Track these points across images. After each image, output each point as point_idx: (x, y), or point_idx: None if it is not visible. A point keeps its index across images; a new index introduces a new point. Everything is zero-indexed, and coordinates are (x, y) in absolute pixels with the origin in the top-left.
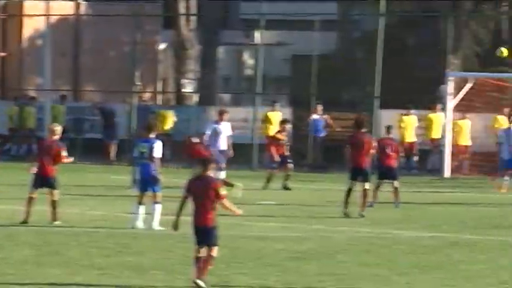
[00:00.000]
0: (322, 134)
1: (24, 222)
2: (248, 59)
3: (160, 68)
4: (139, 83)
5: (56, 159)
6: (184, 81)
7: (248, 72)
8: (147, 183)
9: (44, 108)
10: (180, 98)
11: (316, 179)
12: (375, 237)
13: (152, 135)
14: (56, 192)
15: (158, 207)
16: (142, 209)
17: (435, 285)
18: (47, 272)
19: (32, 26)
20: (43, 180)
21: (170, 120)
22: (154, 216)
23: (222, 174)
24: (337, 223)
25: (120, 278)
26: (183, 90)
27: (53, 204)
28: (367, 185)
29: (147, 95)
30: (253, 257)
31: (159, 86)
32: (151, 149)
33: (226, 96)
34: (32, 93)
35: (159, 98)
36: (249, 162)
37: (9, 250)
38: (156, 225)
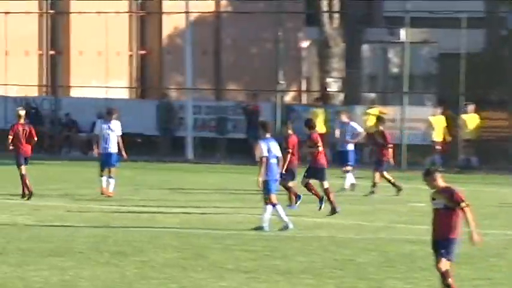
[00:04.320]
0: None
1: None
2: (393, 57)
3: (303, 66)
4: (283, 82)
5: None
6: (328, 80)
7: (394, 70)
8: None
9: (185, 108)
10: (325, 97)
11: (466, 180)
12: None
13: (267, 135)
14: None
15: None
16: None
17: None
18: (191, 275)
19: (171, 23)
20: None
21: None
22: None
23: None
24: (492, 227)
25: (268, 283)
26: (328, 89)
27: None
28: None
29: (291, 94)
30: (405, 260)
31: (303, 85)
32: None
33: (372, 96)
34: (172, 92)
35: (304, 97)
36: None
37: (151, 253)
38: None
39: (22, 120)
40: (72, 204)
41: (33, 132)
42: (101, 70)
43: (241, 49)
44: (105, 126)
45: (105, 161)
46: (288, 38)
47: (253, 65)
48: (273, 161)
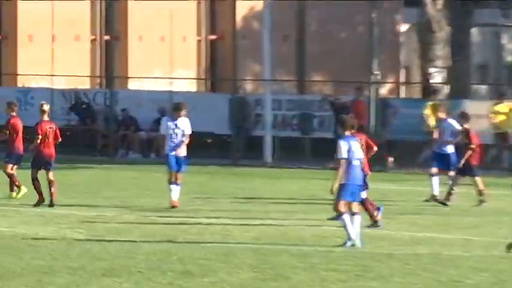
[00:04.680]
0: None
1: None
2: (508, 43)
3: (402, 54)
4: (377, 72)
5: None
6: (431, 70)
7: (508, 58)
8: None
9: (262, 103)
10: (427, 90)
11: None
12: None
13: (347, 133)
14: None
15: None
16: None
17: None
18: None
19: (247, 4)
20: None
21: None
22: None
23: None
24: None
25: None
26: (430, 80)
27: None
28: None
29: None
30: None
31: (401, 76)
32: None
33: (483, 88)
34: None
35: (402, 90)
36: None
37: (223, 273)
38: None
39: (46, 117)
40: (130, 215)
41: (58, 132)
42: (164, 58)
43: (328, 34)
44: (171, 124)
45: (173, 165)
46: (384, 21)
47: (343, 53)
48: (355, 163)
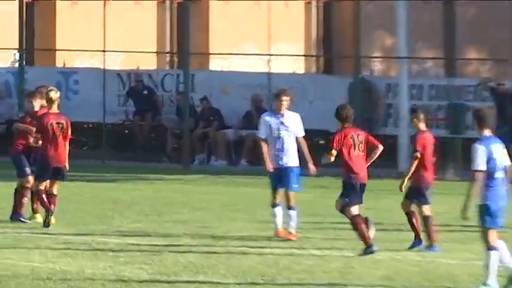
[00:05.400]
0: None
1: None
2: None
3: None
4: None
5: None
6: None
7: None
8: None
9: (396, 89)
10: None
11: None
12: None
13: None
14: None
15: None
16: None
17: None
18: None
19: None
20: None
21: None
22: None
23: None
24: None
25: None
26: None
27: None
28: None
29: None
30: None
31: None
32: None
33: None
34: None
35: None
36: None
37: None
38: None
39: (55, 108)
40: (214, 246)
41: (70, 128)
42: (260, 28)
43: None
44: (274, 121)
45: (278, 181)
46: None
47: (508, 21)
48: (498, 174)
